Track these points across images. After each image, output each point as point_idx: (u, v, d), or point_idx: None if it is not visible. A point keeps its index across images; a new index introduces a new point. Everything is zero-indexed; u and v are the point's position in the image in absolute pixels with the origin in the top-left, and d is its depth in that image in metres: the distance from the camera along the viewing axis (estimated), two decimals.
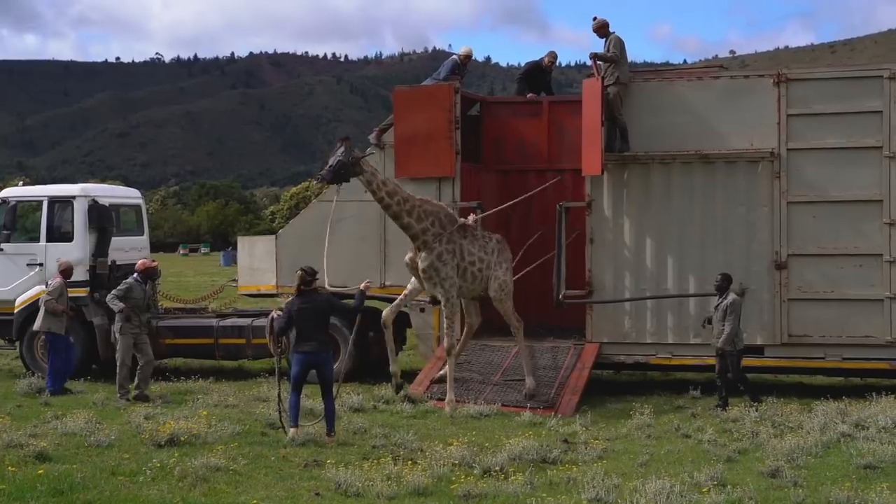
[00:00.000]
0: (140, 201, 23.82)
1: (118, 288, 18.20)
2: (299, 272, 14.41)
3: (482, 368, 18.19)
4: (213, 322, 21.13)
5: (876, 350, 17.72)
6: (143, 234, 23.19)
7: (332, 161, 16.46)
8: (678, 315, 18.30)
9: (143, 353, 18.16)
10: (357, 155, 16.60)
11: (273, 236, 21.03)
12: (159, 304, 22.69)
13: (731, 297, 16.75)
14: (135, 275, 18.42)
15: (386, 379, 18.37)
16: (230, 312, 22.01)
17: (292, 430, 14.25)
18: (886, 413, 15.16)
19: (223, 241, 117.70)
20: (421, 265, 16.98)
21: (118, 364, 18.00)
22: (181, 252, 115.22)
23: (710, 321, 17.09)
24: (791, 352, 18.00)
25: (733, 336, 16.61)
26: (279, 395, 14.86)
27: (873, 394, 16.81)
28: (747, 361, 17.63)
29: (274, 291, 20.76)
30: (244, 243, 21.87)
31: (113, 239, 21.36)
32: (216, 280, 44.73)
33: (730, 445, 13.67)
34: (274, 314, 14.89)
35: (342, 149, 16.48)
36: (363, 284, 15.35)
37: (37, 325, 18.97)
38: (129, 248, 22.11)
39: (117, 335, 18.16)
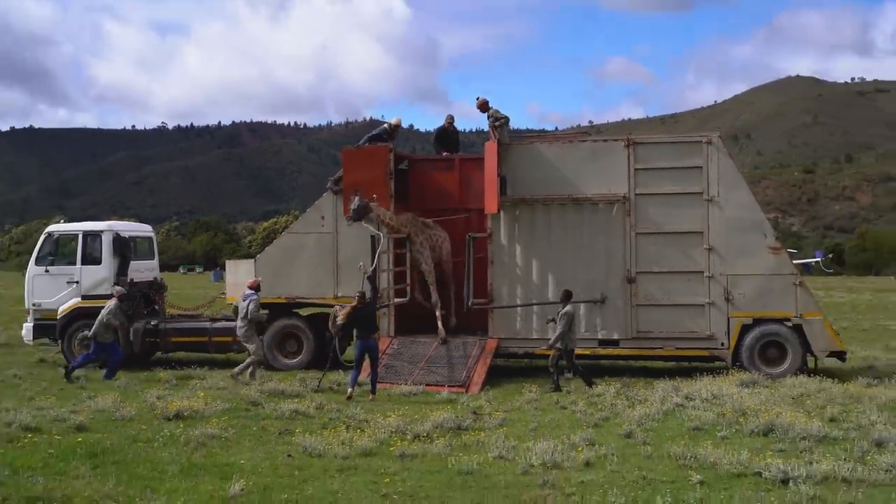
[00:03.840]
0: (152, 234, 23.36)
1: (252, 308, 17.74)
2: (358, 294, 15.72)
3: (411, 358, 17.99)
4: (208, 324, 20.76)
5: (699, 342, 17.91)
6: (154, 259, 22.73)
7: (353, 206, 17.29)
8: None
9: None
10: (366, 202, 17.37)
11: (253, 259, 20.65)
12: (167, 310, 22.19)
13: (567, 308, 16.62)
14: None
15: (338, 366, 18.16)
16: (220, 317, 21.60)
17: (350, 390, 15.20)
18: (707, 388, 15.32)
19: (213, 263, 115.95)
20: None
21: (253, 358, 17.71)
22: (181, 271, 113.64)
23: (553, 320, 17.07)
24: (639, 343, 18.11)
25: (561, 338, 16.43)
26: (332, 357, 17.30)
27: (697, 374, 17.02)
28: (609, 351, 17.93)
29: None
30: (231, 265, 21.41)
31: (131, 262, 21.06)
32: (208, 292, 43.92)
33: (596, 414, 13.66)
34: (336, 308, 16.17)
35: (357, 197, 17.33)
36: (361, 266, 17.03)
37: (92, 332, 18.34)
38: (144, 270, 21.87)
39: (250, 339, 17.68)
